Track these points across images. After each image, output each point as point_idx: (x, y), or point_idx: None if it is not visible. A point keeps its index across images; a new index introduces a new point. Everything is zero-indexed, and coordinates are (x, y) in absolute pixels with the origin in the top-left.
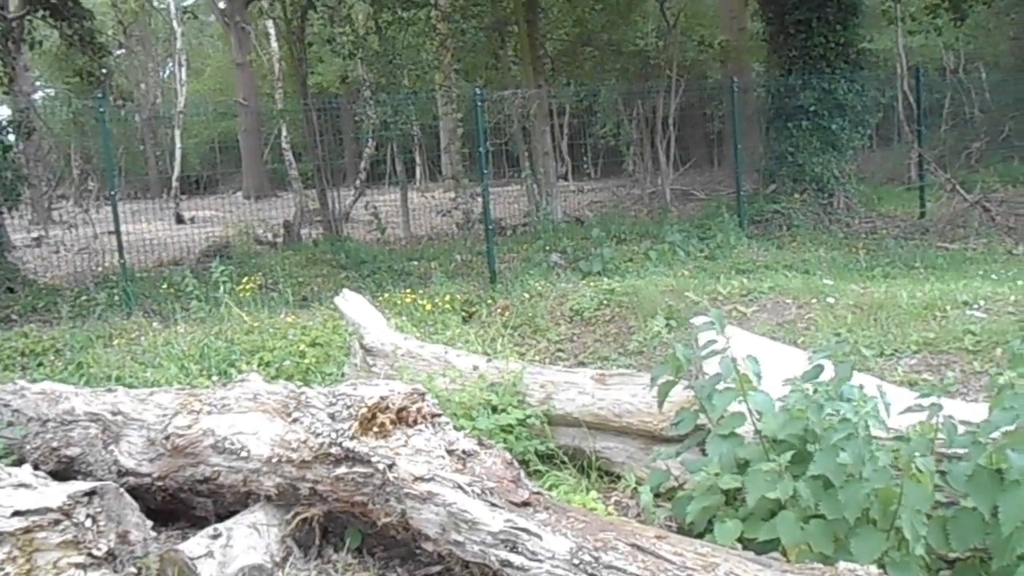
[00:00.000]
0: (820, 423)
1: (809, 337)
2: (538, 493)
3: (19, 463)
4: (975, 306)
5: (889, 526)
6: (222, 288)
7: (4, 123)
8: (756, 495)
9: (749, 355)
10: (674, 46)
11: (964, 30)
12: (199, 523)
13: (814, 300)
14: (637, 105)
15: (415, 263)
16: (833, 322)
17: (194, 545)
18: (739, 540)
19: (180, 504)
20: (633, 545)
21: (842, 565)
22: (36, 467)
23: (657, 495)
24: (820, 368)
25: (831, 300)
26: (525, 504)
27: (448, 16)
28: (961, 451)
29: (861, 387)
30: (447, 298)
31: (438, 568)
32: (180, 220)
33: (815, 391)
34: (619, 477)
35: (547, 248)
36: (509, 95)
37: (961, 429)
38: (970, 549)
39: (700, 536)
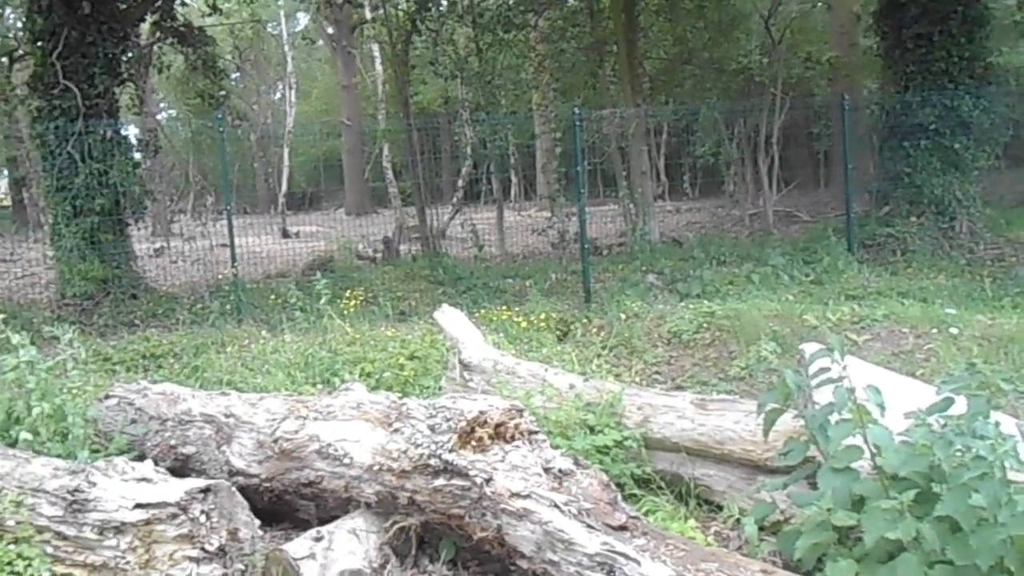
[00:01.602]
0: (949, 460)
1: (929, 369)
2: (635, 517)
3: (140, 458)
4: None
5: None
6: (324, 300)
7: (134, 142)
8: (874, 535)
9: (869, 385)
10: (779, 63)
11: None
12: (301, 525)
13: (934, 330)
14: (738, 124)
15: (510, 281)
16: (956, 354)
17: (298, 546)
18: None
19: (285, 506)
20: None
21: None
22: (156, 463)
23: (761, 528)
24: (950, 401)
25: (954, 331)
26: (622, 528)
27: (547, 37)
28: None
29: (997, 423)
30: (542, 316)
31: None
32: (286, 235)
33: (944, 425)
34: (719, 507)
35: (644, 269)
36: (607, 114)
37: None
38: None
39: (808, 575)
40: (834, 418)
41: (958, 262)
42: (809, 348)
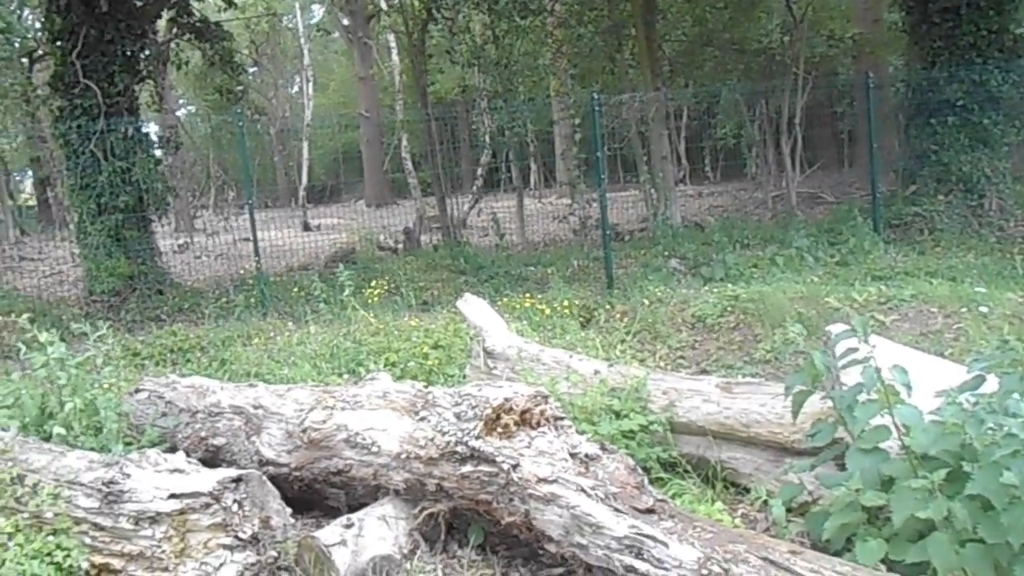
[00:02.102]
0: (980, 439)
1: (958, 349)
2: (663, 500)
3: (172, 450)
4: None
5: None
6: (347, 291)
7: (155, 139)
8: (904, 514)
9: (896, 364)
10: (801, 42)
11: None
12: (332, 513)
13: (964, 309)
14: (760, 105)
15: (532, 268)
16: (987, 333)
17: (329, 533)
18: (882, 561)
19: (314, 494)
20: (765, 559)
21: None
22: (187, 454)
23: (789, 510)
24: (981, 379)
25: (984, 309)
26: (649, 511)
27: (564, 22)
28: None
29: None
30: (565, 303)
31: (560, 570)
32: (307, 228)
33: (975, 404)
34: (746, 489)
35: (666, 253)
36: (626, 99)
37: None
38: None
39: (837, 555)
40: (862, 398)
41: (987, 240)
42: (835, 329)
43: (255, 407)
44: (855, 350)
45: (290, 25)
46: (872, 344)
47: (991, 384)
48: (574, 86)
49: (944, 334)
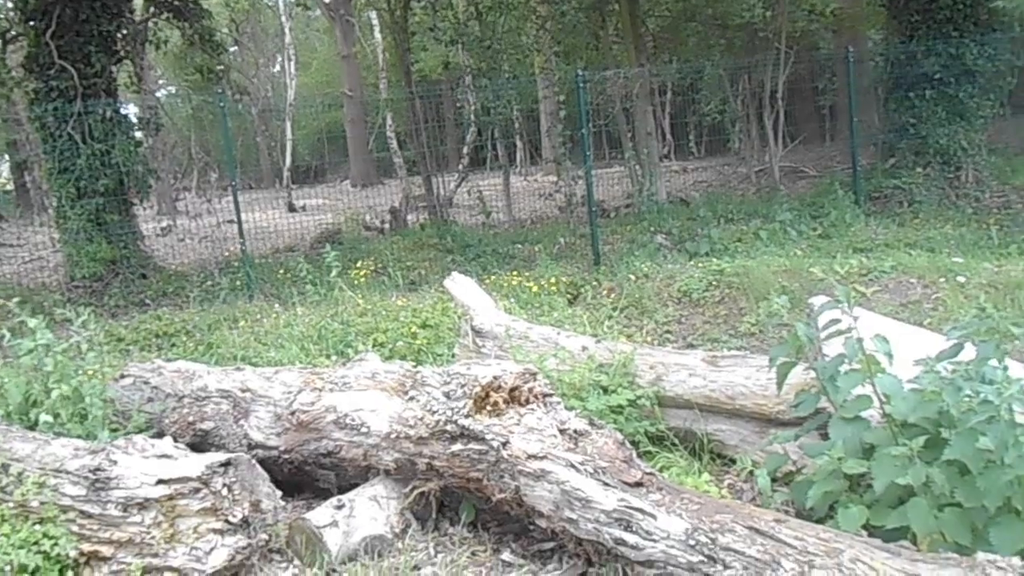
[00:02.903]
0: (957, 405)
1: (937, 318)
2: (651, 474)
3: (159, 436)
4: None
5: None
6: (334, 272)
7: (134, 120)
8: (884, 481)
9: (877, 334)
10: (782, 17)
11: None
12: (322, 495)
13: (942, 279)
14: (743, 80)
15: (519, 246)
16: (964, 302)
17: (320, 515)
18: (864, 527)
19: (305, 476)
20: (751, 528)
21: (981, 556)
22: (175, 439)
23: (774, 479)
24: (959, 347)
25: (961, 279)
26: (638, 484)
27: None
28: None
29: (1005, 367)
30: (552, 280)
31: (551, 545)
32: (292, 208)
33: (953, 371)
34: (732, 460)
35: (652, 229)
36: (611, 75)
37: None
38: None
39: (820, 522)
40: (844, 369)
41: (964, 211)
42: (818, 301)
43: (243, 390)
44: (837, 321)
45: (270, 3)
46: (854, 315)
47: (968, 352)
48: (558, 63)
49: (923, 304)
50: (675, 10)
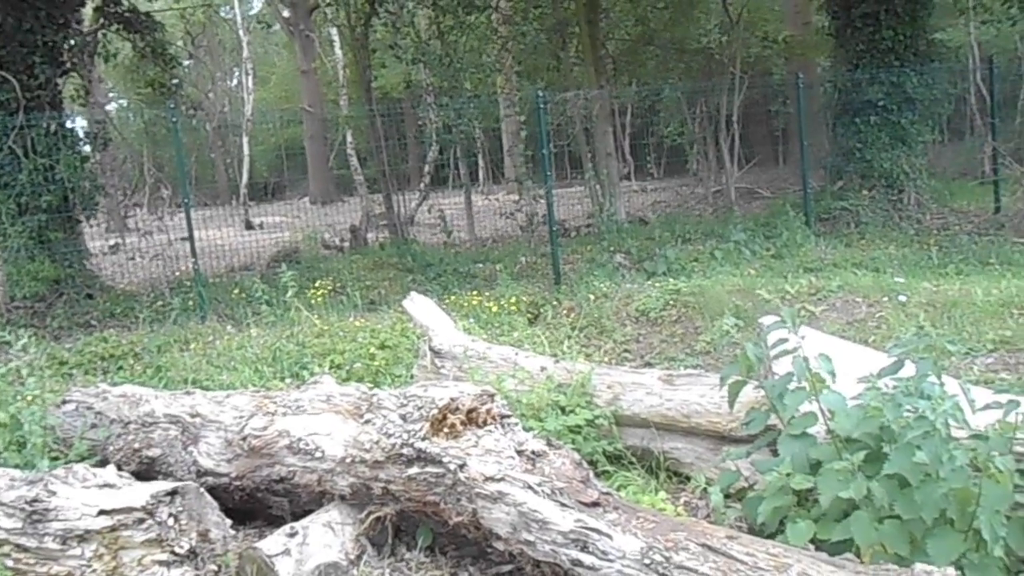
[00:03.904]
0: (897, 421)
1: (880, 336)
2: (607, 493)
3: (103, 464)
4: None
5: (967, 527)
6: (290, 292)
7: (81, 134)
8: (829, 495)
9: (821, 354)
10: (737, 43)
11: None
12: (275, 522)
13: (885, 299)
14: (700, 103)
15: (480, 265)
16: (905, 320)
17: (272, 543)
18: (812, 541)
19: (257, 503)
20: (704, 545)
21: (918, 567)
22: (119, 468)
23: (727, 496)
24: (899, 364)
25: (902, 298)
26: (595, 504)
27: (509, 19)
28: None
29: (942, 384)
30: (513, 300)
31: (509, 567)
32: (249, 226)
33: (894, 388)
34: (688, 478)
35: (611, 249)
36: (571, 96)
37: None
38: None
39: (771, 537)
40: (791, 387)
41: (907, 232)
42: (767, 321)
43: (192, 415)
44: (785, 341)
45: (227, 16)
46: (801, 335)
47: (909, 369)
48: (520, 83)
49: (868, 322)
50: (634, 33)
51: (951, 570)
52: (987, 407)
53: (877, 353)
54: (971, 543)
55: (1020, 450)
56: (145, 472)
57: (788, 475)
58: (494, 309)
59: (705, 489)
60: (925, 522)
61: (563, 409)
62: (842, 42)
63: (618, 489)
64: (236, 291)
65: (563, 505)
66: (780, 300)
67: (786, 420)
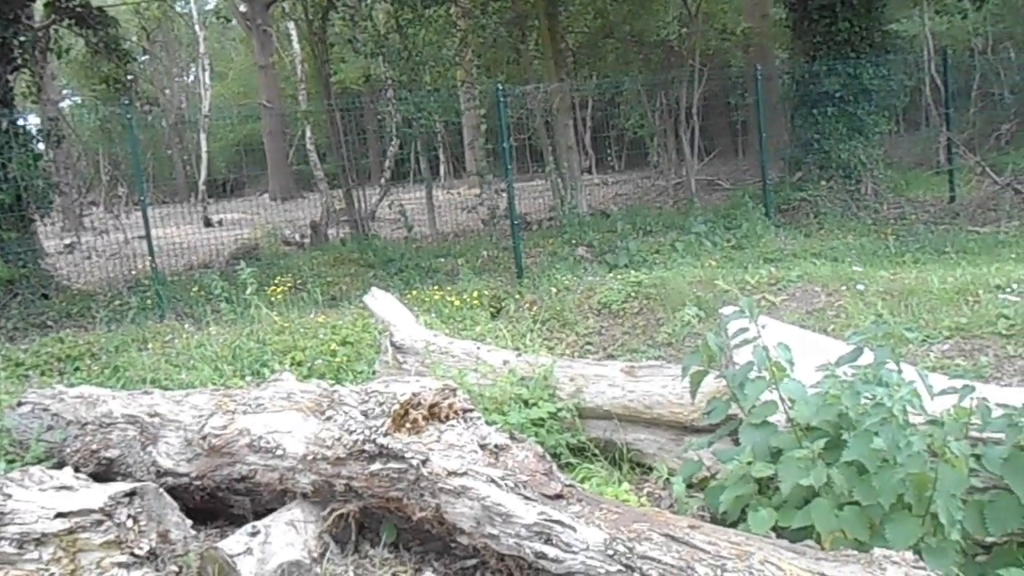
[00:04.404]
0: (855, 408)
1: (839, 325)
2: (571, 486)
3: (60, 466)
4: (1008, 290)
5: (924, 511)
6: (250, 289)
7: (34, 132)
8: (790, 483)
9: (780, 343)
10: (696, 35)
11: (992, 10)
12: (237, 521)
13: (843, 288)
14: (660, 96)
15: (442, 260)
16: (864, 309)
17: (233, 543)
18: (773, 529)
19: (218, 503)
20: (667, 535)
21: (877, 551)
22: (76, 469)
23: (690, 485)
24: (858, 352)
25: (861, 287)
26: (558, 497)
27: (468, 12)
28: (997, 435)
29: (899, 371)
30: (475, 294)
31: (473, 561)
32: (208, 223)
33: (853, 375)
34: (651, 468)
35: (573, 242)
36: (531, 90)
37: (997, 412)
38: (1007, 533)
39: (734, 525)
40: (752, 376)
41: (865, 222)
42: (727, 311)
43: (151, 415)
44: (746, 330)
45: (183, 11)
46: (761, 324)
47: (868, 357)
48: (480, 76)
49: (827, 311)
50: (594, 27)
51: (909, 554)
52: (943, 393)
53: (836, 341)
54: (928, 527)
55: (975, 435)
56: (104, 474)
57: (749, 464)
58: (456, 303)
59: (668, 479)
60: (883, 507)
61: (526, 402)
62: (799, 34)
63: (582, 481)
64: (195, 289)
65: (526, 498)
66: (740, 290)
67: (747, 409)
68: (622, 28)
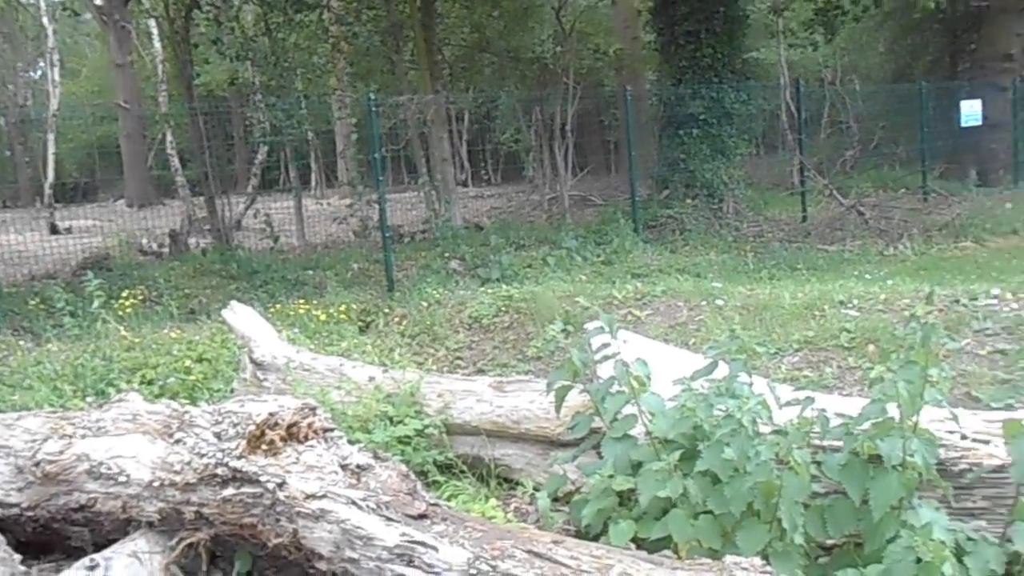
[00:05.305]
0: (708, 420)
1: (700, 339)
2: (435, 504)
3: None
4: (850, 305)
5: (771, 517)
6: (97, 302)
7: None
8: (648, 495)
9: (638, 358)
10: (570, 54)
11: (840, 44)
12: (75, 554)
13: (704, 302)
14: (536, 112)
15: (310, 272)
16: (722, 323)
17: None
18: (633, 540)
19: (54, 534)
20: (530, 552)
21: (728, 558)
22: None
23: (555, 500)
24: (714, 365)
25: (720, 302)
26: (422, 516)
27: (341, 19)
28: (836, 443)
29: (750, 383)
30: (343, 308)
31: None
32: (55, 230)
33: (709, 388)
34: (518, 484)
35: (446, 255)
36: (405, 100)
37: (837, 421)
38: (845, 535)
39: (597, 538)
40: (614, 390)
41: (726, 239)
42: (591, 327)
43: None
44: (608, 346)
45: (29, 1)
46: (623, 339)
47: (723, 369)
48: (353, 85)
49: (688, 325)
50: (470, 40)
51: (758, 560)
52: (789, 404)
53: (695, 355)
54: (775, 532)
55: (817, 443)
56: None
57: (610, 477)
58: (322, 318)
59: (534, 494)
60: (735, 515)
61: (392, 420)
62: (667, 58)
63: (449, 499)
64: (35, 301)
65: (388, 519)
66: (606, 305)
67: (608, 423)
68: (498, 43)
